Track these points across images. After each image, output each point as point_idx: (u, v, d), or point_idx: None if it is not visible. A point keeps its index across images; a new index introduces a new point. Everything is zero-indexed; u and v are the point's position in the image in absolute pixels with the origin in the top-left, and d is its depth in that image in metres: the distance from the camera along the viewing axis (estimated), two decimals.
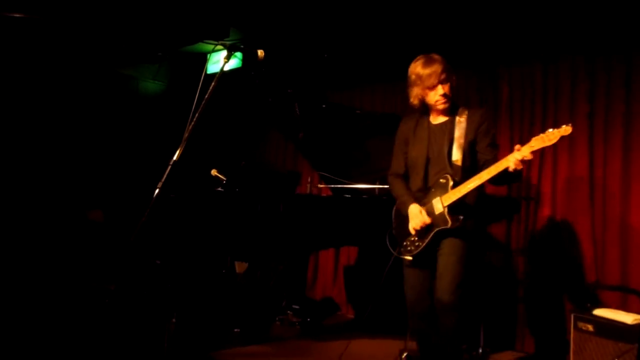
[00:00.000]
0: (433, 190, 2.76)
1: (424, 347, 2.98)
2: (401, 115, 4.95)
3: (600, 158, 3.74)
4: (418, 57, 2.83)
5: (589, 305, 3.43)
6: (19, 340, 3.38)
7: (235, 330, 4.05)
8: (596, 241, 3.72)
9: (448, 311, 2.68)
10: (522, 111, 4.16)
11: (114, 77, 6.25)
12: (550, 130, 2.42)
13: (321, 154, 4.39)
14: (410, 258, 2.81)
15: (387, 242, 2.96)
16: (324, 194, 4.99)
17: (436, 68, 2.71)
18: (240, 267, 4.58)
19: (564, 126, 2.40)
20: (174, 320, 3.53)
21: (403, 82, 4.90)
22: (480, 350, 3.63)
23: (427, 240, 2.75)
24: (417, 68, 2.77)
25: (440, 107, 2.78)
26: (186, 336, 3.76)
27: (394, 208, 3.00)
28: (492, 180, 2.61)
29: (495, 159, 2.65)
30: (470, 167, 2.72)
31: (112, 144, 6.08)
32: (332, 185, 4.40)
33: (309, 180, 4.62)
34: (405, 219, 2.84)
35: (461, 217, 2.68)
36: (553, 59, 3.99)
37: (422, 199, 2.79)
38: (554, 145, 2.44)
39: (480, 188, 2.69)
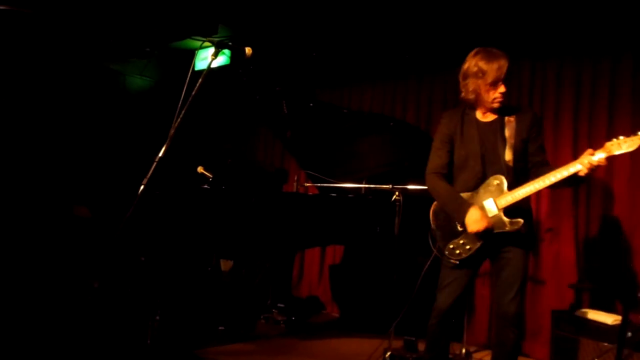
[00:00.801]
0: (482, 191, 2.60)
1: (435, 348, 2.80)
2: (389, 115, 5.02)
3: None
4: (477, 50, 2.65)
5: (571, 305, 3.48)
6: (2, 337, 3.35)
7: (220, 328, 4.04)
8: (579, 242, 3.77)
9: (515, 324, 2.56)
10: None
11: (101, 72, 6.19)
12: (623, 137, 2.34)
13: (308, 152, 4.39)
14: (456, 262, 2.64)
15: (430, 242, 2.77)
16: (310, 193, 4.99)
17: (502, 64, 2.53)
18: (225, 264, 4.57)
19: None
20: (158, 317, 3.51)
21: (392, 82, 4.99)
22: (464, 350, 3.66)
23: (479, 244, 2.59)
24: (480, 61, 2.57)
25: (496, 105, 2.60)
26: (170, 334, 3.74)
27: (434, 206, 2.79)
28: (554, 185, 2.48)
29: (545, 162, 2.58)
30: (523, 168, 2.60)
31: (99, 140, 6.02)
32: (319, 184, 4.40)
33: (296, 178, 4.63)
34: (448, 218, 2.69)
35: (521, 221, 2.51)
36: (541, 58, 4.03)
37: (469, 199, 2.62)
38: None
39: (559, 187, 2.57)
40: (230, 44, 2.33)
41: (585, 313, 3.18)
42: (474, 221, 2.54)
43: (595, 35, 3.76)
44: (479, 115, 2.69)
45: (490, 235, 2.56)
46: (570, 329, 3.15)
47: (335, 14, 4.71)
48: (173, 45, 5.94)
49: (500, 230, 2.54)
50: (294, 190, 4.60)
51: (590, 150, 2.38)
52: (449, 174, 2.74)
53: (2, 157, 5.25)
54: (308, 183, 4.64)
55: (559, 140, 3.90)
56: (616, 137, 2.30)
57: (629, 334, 2.84)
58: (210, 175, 3.90)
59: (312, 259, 5.43)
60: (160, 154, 2.06)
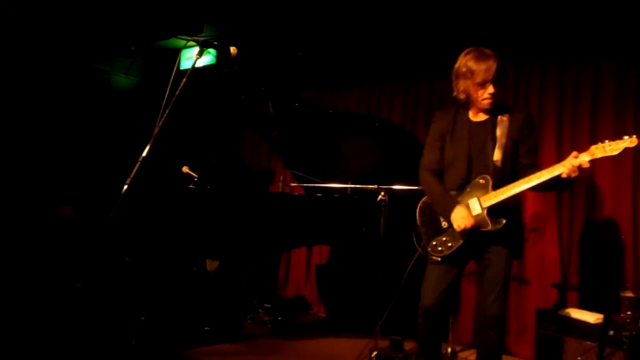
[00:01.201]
0: (469, 190, 2.62)
1: (427, 349, 2.81)
2: (375, 115, 5.03)
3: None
4: (469, 50, 2.66)
5: (554, 304, 3.52)
6: None
7: (206, 328, 4.02)
8: (563, 242, 3.81)
9: (497, 325, 2.57)
10: None
11: (85, 71, 6.13)
12: (608, 141, 2.34)
13: (294, 152, 4.39)
14: (438, 259, 2.67)
15: (414, 239, 2.80)
16: (296, 193, 4.99)
17: (491, 64, 2.54)
18: (211, 265, 4.55)
19: (627, 137, 2.31)
20: (143, 318, 3.48)
21: (378, 84, 5.00)
22: (450, 349, 3.67)
23: (460, 242, 2.61)
24: (470, 61, 2.59)
25: (486, 105, 2.62)
26: (155, 335, 3.71)
27: (421, 202, 2.83)
28: (538, 187, 2.50)
29: (535, 165, 2.57)
30: (512, 169, 2.60)
31: (83, 139, 5.97)
32: (305, 184, 4.40)
33: (282, 178, 4.62)
34: (436, 216, 2.72)
35: (504, 221, 2.52)
36: (526, 61, 4.07)
37: (456, 198, 2.65)
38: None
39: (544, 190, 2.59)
40: (215, 43, 2.32)
41: (569, 312, 3.21)
42: (460, 218, 2.57)
43: (578, 38, 3.80)
44: (471, 114, 2.70)
45: (473, 234, 2.57)
46: (554, 328, 3.19)
47: (322, 14, 4.71)
48: (158, 44, 5.90)
49: (484, 229, 2.55)
50: (280, 190, 4.59)
51: (575, 153, 2.39)
52: (441, 171, 2.76)
53: None
54: (294, 183, 4.64)
55: (542, 141, 3.93)
56: (601, 140, 2.34)
57: (611, 332, 2.88)
58: (196, 175, 3.87)
59: (298, 259, 5.42)
60: (144, 154, 2.05)
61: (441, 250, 2.67)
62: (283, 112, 4.05)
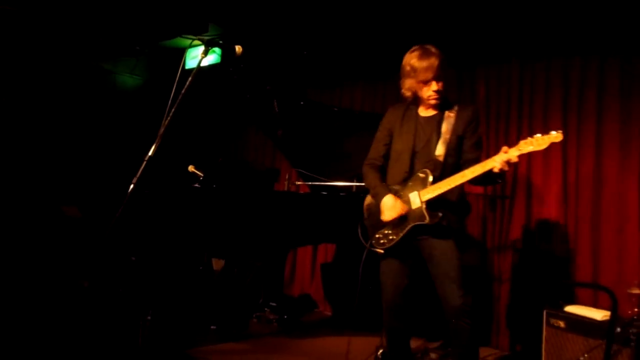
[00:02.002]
0: (411, 184, 2.67)
1: (395, 345, 2.90)
2: (381, 113, 5.01)
3: (573, 156, 3.82)
4: (414, 48, 2.69)
5: (561, 302, 3.50)
6: None
7: (212, 327, 4.03)
8: (569, 240, 3.80)
9: (465, 315, 2.58)
10: (499, 110, 4.22)
11: (91, 71, 6.15)
12: (540, 135, 2.38)
13: (300, 151, 4.39)
14: (382, 251, 2.75)
15: (359, 234, 2.88)
16: (302, 191, 4.99)
17: (432, 62, 2.58)
18: (217, 264, 4.56)
19: (554, 132, 2.37)
20: (149, 317, 3.49)
21: (383, 81, 4.99)
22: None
23: (401, 234, 2.66)
24: (413, 59, 2.64)
25: (432, 102, 2.67)
26: (162, 333, 3.72)
27: (366, 199, 2.92)
28: (474, 181, 2.57)
29: (477, 160, 2.59)
30: (454, 164, 2.64)
31: (89, 139, 5.99)
32: (310, 183, 4.40)
33: (287, 177, 4.62)
34: (378, 210, 2.76)
35: (440, 214, 2.58)
36: (530, 59, 4.05)
37: (399, 192, 2.70)
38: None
39: (462, 185, 2.62)
40: (220, 42, 2.33)
41: (575, 309, 3.20)
42: (387, 208, 2.67)
43: (583, 35, 3.78)
44: (420, 110, 2.76)
45: (416, 228, 2.63)
46: (560, 325, 3.17)
47: (327, 12, 4.71)
48: (163, 44, 5.91)
49: (421, 223, 2.61)
50: (285, 188, 4.60)
51: (505, 148, 2.43)
52: (384, 166, 2.85)
53: None
54: (299, 181, 4.64)
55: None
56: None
57: (618, 329, 2.86)
58: (201, 174, 3.88)
59: (304, 258, 5.43)
60: (150, 153, 2.05)
61: (383, 242, 2.73)
62: (288, 111, 4.06)
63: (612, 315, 2.84)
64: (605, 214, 3.66)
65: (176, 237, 3.45)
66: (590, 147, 3.75)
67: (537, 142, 2.38)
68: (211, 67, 5.65)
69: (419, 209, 2.61)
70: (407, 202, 2.66)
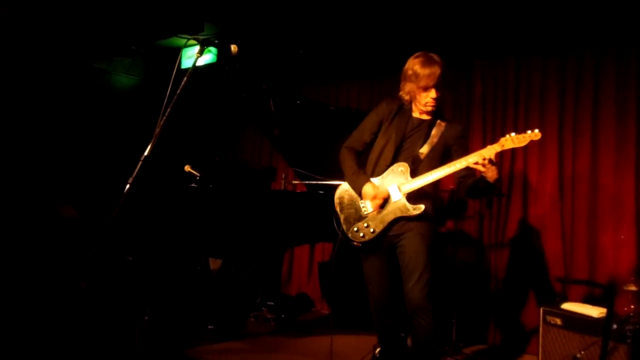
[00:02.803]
0: (388, 177, 2.71)
1: (387, 343, 2.92)
2: None
3: (569, 154, 3.83)
4: (418, 54, 2.73)
5: (557, 299, 3.52)
6: None
7: (209, 327, 4.03)
8: (565, 236, 3.81)
9: (422, 311, 2.59)
10: (495, 107, 4.23)
11: (86, 71, 6.13)
12: (519, 134, 2.50)
13: (296, 150, 4.39)
14: (358, 244, 2.75)
15: (335, 224, 2.84)
16: (298, 190, 4.99)
17: (435, 70, 2.62)
18: (214, 263, 4.56)
19: (533, 131, 2.49)
20: (146, 317, 3.49)
21: (379, 79, 4.99)
22: (453, 344, 3.68)
23: (382, 227, 2.68)
24: (416, 65, 2.67)
25: (429, 109, 2.72)
26: (159, 333, 3.72)
27: (340, 186, 2.89)
28: (469, 193, 2.68)
29: (473, 175, 2.66)
30: (433, 165, 2.67)
31: (84, 139, 5.97)
32: (307, 182, 4.40)
33: (284, 176, 4.62)
34: (357, 201, 2.77)
35: (423, 207, 2.62)
36: (526, 55, 4.06)
37: (377, 183, 2.73)
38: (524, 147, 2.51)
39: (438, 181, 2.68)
40: (216, 41, 2.33)
41: (571, 306, 3.21)
42: (369, 196, 2.69)
43: (579, 33, 3.79)
44: (414, 112, 2.80)
45: (395, 221, 2.66)
46: (557, 322, 3.19)
47: (322, 10, 4.70)
48: (159, 43, 5.90)
49: (404, 215, 2.64)
50: (282, 188, 4.59)
51: (487, 147, 2.52)
52: (362, 154, 2.87)
53: None
54: (296, 180, 4.64)
55: (544, 138, 3.91)
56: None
57: (614, 326, 2.87)
58: (198, 174, 3.88)
59: (301, 257, 5.43)
60: (146, 153, 2.05)
61: (363, 235, 2.73)
62: (284, 110, 4.05)
63: (608, 312, 2.85)
64: (601, 211, 3.67)
65: (173, 237, 3.44)
66: (586, 144, 3.76)
67: (517, 140, 2.51)
68: (207, 66, 5.64)
69: (400, 201, 2.65)
70: (387, 194, 2.68)
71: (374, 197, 2.69)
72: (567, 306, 3.23)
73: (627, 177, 3.58)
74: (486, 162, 2.48)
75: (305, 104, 4.18)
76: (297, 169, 4.42)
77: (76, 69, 6.01)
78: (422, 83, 2.64)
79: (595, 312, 3.07)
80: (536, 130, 2.51)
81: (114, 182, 3.40)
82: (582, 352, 3.02)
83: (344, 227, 2.80)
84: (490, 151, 2.50)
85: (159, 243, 3.47)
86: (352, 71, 5.20)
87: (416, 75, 2.66)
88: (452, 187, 4.12)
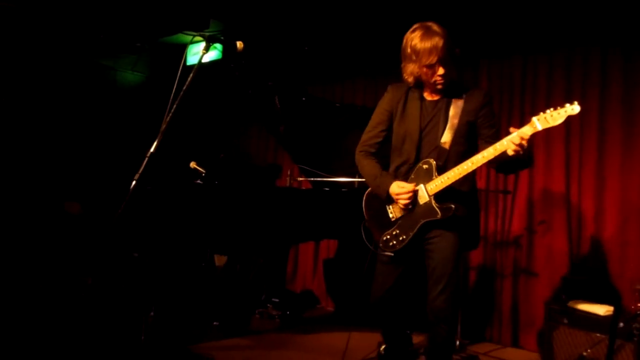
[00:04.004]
0: (413, 177, 2.44)
1: (390, 339, 2.82)
2: None
3: (576, 150, 3.81)
4: (415, 27, 2.39)
5: (564, 297, 3.50)
6: None
7: (215, 323, 4.04)
8: (572, 234, 3.79)
9: (445, 320, 2.41)
10: (501, 105, 4.21)
11: (91, 68, 6.14)
12: (551, 110, 2.14)
13: (301, 147, 4.39)
14: (391, 254, 2.50)
15: (363, 236, 2.63)
16: (304, 187, 4.99)
17: (437, 43, 2.28)
18: (219, 260, 4.56)
19: (569, 105, 2.11)
20: (152, 313, 3.50)
21: (384, 76, 4.98)
22: (458, 342, 3.67)
23: (412, 234, 2.43)
24: (414, 41, 2.33)
25: (439, 87, 2.40)
26: (164, 329, 3.73)
27: (366, 195, 2.66)
28: (499, 168, 2.36)
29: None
30: (464, 152, 2.39)
31: (90, 135, 5.99)
32: (312, 179, 4.40)
33: (289, 173, 4.62)
34: (382, 206, 2.53)
35: (452, 207, 2.34)
36: (533, 52, 4.04)
37: None
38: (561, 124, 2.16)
39: (473, 174, 2.40)
40: (221, 38, 2.34)
41: (578, 304, 3.20)
42: (398, 193, 2.41)
43: (585, 29, 3.77)
44: (425, 93, 2.50)
45: (422, 223, 2.41)
46: (563, 320, 3.17)
47: (328, 7, 4.69)
48: (164, 40, 5.90)
49: (434, 219, 2.38)
50: (287, 184, 4.59)
51: (512, 128, 2.22)
52: (380, 154, 2.61)
53: None
54: (301, 177, 4.63)
55: (550, 135, 3.92)
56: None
57: (621, 324, 2.86)
58: (203, 171, 3.88)
59: (306, 254, 5.43)
60: (152, 150, 2.05)
61: (393, 244, 2.49)
62: (290, 107, 4.05)
63: (615, 311, 2.84)
64: (609, 208, 3.64)
65: (178, 233, 3.45)
66: (593, 140, 3.73)
67: (552, 118, 2.13)
68: (212, 63, 5.64)
69: (428, 203, 2.38)
70: (414, 197, 2.42)
71: (404, 194, 2.39)
72: (574, 304, 3.22)
73: (634, 173, 3.55)
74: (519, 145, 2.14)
75: (311, 101, 4.18)
76: (303, 166, 4.42)
77: (82, 66, 6.02)
78: (425, 60, 2.31)
79: (602, 310, 3.06)
80: (570, 105, 2.11)
81: (120, 179, 3.41)
82: (589, 350, 3.01)
83: (376, 236, 2.57)
84: (522, 133, 2.15)
85: (165, 239, 3.49)
86: (358, 68, 5.19)
87: (416, 52, 2.32)
88: None
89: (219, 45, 4.34)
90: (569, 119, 3.75)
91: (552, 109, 2.15)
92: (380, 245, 2.55)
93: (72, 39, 5.72)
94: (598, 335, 2.98)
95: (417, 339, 3.62)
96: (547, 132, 3.87)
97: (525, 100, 4.06)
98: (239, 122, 6.24)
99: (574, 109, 2.10)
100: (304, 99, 4.15)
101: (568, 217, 3.80)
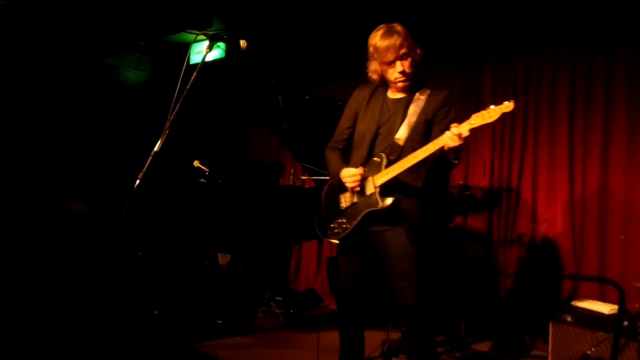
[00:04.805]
0: (366, 169, 2.49)
1: (346, 334, 2.74)
2: None
3: (580, 149, 3.79)
4: (379, 27, 2.50)
5: (568, 295, 3.50)
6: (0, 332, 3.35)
7: (218, 321, 4.05)
8: (575, 232, 3.78)
9: (418, 313, 2.44)
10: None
11: (95, 66, 6.16)
12: (492, 107, 2.22)
13: (305, 145, 4.38)
14: (336, 241, 2.59)
15: (315, 225, 2.69)
16: (307, 186, 4.99)
17: (395, 41, 2.39)
18: (223, 258, 4.57)
19: (505, 102, 2.21)
20: (155, 312, 3.51)
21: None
22: (460, 342, 3.67)
23: (355, 223, 2.48)
24: (375, 39, 2.47)
25: (400, 85, 2.51)
26: (168, 328, 3.74)
27: (327, 186, 2.72)
28: (436, 169, 2.43)
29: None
30: (416, 149, 2.38)
31: (94, 134, 6.00)
32: (315, 177, 4.40)
33: (292, 171, 4.62)
34: (336, 199, 2.60)
35: (392, 199, 2.39)
36: (537, 51, 4.03)
37: None
38: (494, 122, 2.24)
39: (434, 170, 2.46)
40: (225, 37, 2.32)
41: (582, 303, 3.19)
42: (345, 178, 2.48)
43: (590, 27, 3.75)
44: (390, 92, 2.59)
45: (370, 215, 2.45)
46: (567, 318, 3.17)
47: (331, 6, 4.69)
48: (167, 39, 5.91)
49: (374, 209, 2.43)
50: (291, 183, 4.59)
51: (455, 124, 2.25)
52: (347, 150, 2.69)
53: None
54: (304, 176, 4.63)
55: (555, 134, 3.91)
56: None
57: (625, 323, 2.85)
58: (207, 169, 3.89)
59: (309, 252, 5.43)
60: (156, 148, 2.05)
61: (337, 232, 2.55)
62: (293, 105, 4.05)
63: (619, 309, 2.83)
64: (613, 206, 3.63)
65: (182, 232, 3.45)
66: (597, 139, 3.72)
67: (488, 115, 2.22)
68: (216, 62, 5.64)
69: (373, 194, 2.43)
70: (363, 188, 2.48)
71: (350, 176, 2.47)
72: (578, 303, 3.21)
73: (638, 173, 3.54)
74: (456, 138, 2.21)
75: (314, 99, 4.18)
76: (306, 165, 4.41)
77: (85, 65, 6.04)
78: (384, 58, 2.43)
79: (606, 308, 3.05)
80: (506, 102, 2.22)
81: (123, 178, 3.42)
82: (593, 349, 3.00)
83: (327, 225, 2.63)
84: (462, 129, 2.21)
85: (169, 238, 3.49)
86: (361, 66, 5.16)
87: (377, 50, 2.45)
88: (461, 182, 4.11)
89: (222, 44, 4.34)
90: (575, 117, 3.77)
91: (489, 107, 2.24)
92: (329, 233, 2.61)
93: (76, 38, 5.74)
94: (602, 333, 2.97)
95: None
96: (552, 130, 3.92)
97: (529, 100, 4.05)
98: (243, 121, 6.25)
99: (508, 106, 2.21)
100: (307, 97, 4.15)
101: (572, 216, 3.79)
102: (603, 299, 3.41)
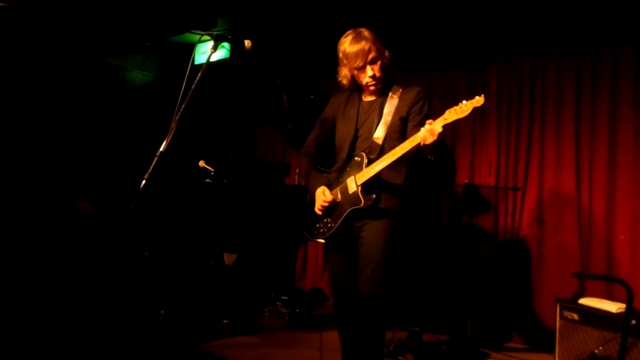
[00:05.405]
0: (348, 169, 2.57)
1: (346, 341, 2.74)
2: None
3: (586, 148, 3.78)
4: (347, 33, 2.57)
5: (575, 294, 3.48)
6: (6, 332, 3.36)
7: (224, 321, 4.05)
8: (582, 231, 3.76)
9: (370, 305, 2.47)
10: (510, 102, 4.18)
11: (100, 67, 6.17)
12: (464, 102, 2.26)
13: None
14: (322, 241, 2.66)
15: (302, 228, 2.76)
16: None
17: (363, 46, 2.46)
18: (229, 258, 4.58)
19: (476, 97, 2.26)
20: (162, 311, 3.52)
21: (391, 73, 4.96)
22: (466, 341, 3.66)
23: (339, 221, 2.54)
24: (344, 45, 2.53)
25: (372, 89, 2.57)
26: (174, 328, 3.75)
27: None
28: (414, 166, 2.49)
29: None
30: (394, 146, 2.43)
31: (100, 135, 6.02)
32: None
33: (298, 171, 4.62)
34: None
35: (374, 196, 2.45)
36: (542, 50, 4.01)
37: (338, 178, 2.61)
38: (467, 117, 2.29)
39: (414, 167, 2.52)
40: (229, 37, 2.33)
41: (589, 301, 3.17)
42: (321, 193, 2.59)
43: (595, 26, 3.74)
44: (363, 96, 2.65)
45: (349, 211, 2.51)
46: (575, 317, 3.15)
47: (335, 5, 4.68)
48: (172, 40, 5.92)
49: (357, 207, 2.48)
50: (296, 182, 4.59)
51: (430, 121, 2.27)
52: (320, 154, 2.78)
53: (2, 154, 5.25)
54: None
55: (560, 132, 3.89)
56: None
57: (633, 322, 2.84)
58: (212, 169, 3.89)
59: (315, 251, 5.43)
60: (162, 149, 2.06)
61: (323, 232, 2.63)
62: (298, 105, 4.05)
63: (627, 308, 2.81)
64: (619, 205, 3.62)
65: (188, 232, 3.46)
66: (603, 137, 3.70)
67: (460, 110, 2.26)
68: (220, 62, 5.65)
69: (355, 193, 2.49)
70: (345, 187, 2.54)
71: (322, 201, 2.58)
72: (585, 301, 3.20)
73: None
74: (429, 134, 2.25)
75: (319, 98, 4.17)
76: None
77: (91, 66, 6.05)
78: (354, 63, 2.49)
79: (614, 307, 3.03)
80: (477, 97, 2.27)
81: (130, 178, 3.42)
82: (600, 348, 2.99)
83: (312, 224, 2.70)
84: (435, 126, 2.24)
85: (175, 238, 3.50)
86: None
87: (346, 56, 2.51)
88: (467, 181, 4.10)
89: (226, 44, 4.35)
90: (580, 115, 3.76)
91: (461, 102, 2.27)
92: (315, 232, 2.68)
93: (81, 39, 5.75)
94: (610, 332, 2.96)
95: (427, 337, 3.63)
96: (558, 128, 3.90)
97: (535, 99, 4.04)
98: (248, 121, 6.25)
99: (479, 100, 2.26)
100: (312, 96, 4.15)
101: (578, 215, 3.78)
102: (611, 297, 3.39)
